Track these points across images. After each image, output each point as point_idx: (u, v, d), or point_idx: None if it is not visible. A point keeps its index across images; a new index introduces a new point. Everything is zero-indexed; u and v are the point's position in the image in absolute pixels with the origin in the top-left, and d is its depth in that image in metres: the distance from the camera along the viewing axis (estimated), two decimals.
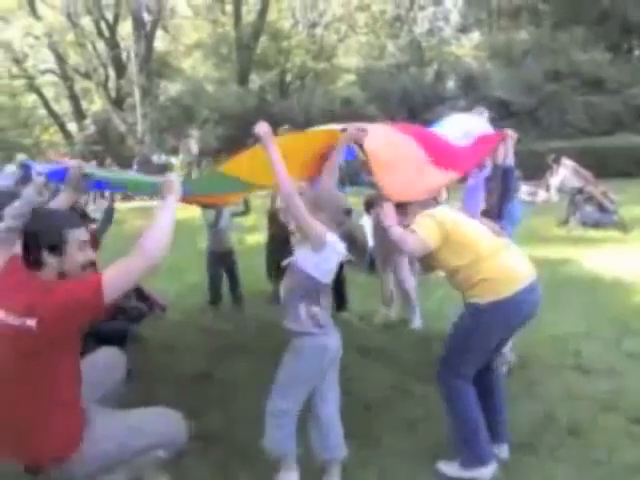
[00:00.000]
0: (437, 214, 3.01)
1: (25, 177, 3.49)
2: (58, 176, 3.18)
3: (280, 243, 6.02)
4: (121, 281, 2.21)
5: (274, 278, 6.13)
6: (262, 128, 2.68)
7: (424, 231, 2.94)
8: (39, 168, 3.20)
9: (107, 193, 4.65)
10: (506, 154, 3.86)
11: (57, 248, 2.28)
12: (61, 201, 2.92)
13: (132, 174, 3.57)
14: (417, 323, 5.39)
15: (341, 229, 2.65)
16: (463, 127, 3.93)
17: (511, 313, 2.85)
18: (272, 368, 2.69)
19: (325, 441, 2.76)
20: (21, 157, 3.21)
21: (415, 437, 3.23)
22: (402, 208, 3.18)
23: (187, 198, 2.74)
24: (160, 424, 2.51)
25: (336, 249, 2.61)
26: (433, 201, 3.25)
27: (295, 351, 2.70)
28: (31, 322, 2.10)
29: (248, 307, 6.20)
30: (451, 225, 2.94)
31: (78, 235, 2.35)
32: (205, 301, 6.36)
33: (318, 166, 4.13)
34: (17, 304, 2.16)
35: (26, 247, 2.29)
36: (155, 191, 2.75)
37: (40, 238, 2.27)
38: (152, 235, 2.30)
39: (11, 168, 3.79)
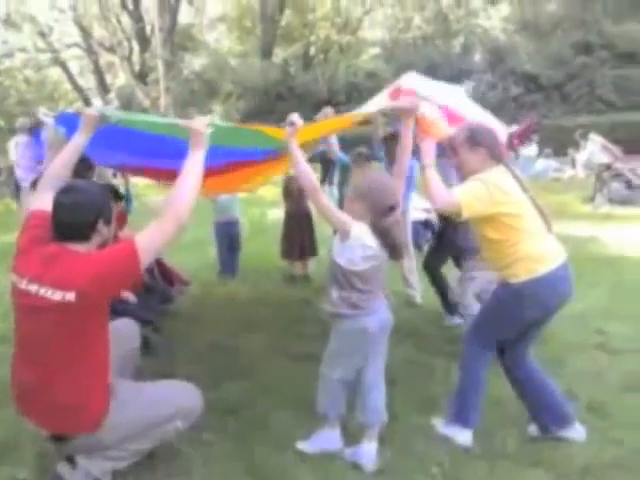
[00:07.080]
0: (491, 182, 2.78)
1: (37, 123, 3.29)
2: (69, 123, 2.82)
3: (296, 222, 5.98)
4: (154, 243, 2.23)
5: (288, 257, 6.06)
6: (295, 120, 2.61)
7: (465, 198, 2.75)
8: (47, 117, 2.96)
9: (119, 176, 4.56)
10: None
11: (110, 220, 2.39)
12: (75, 144, 2.60)
13: (156, 117, 3.39)
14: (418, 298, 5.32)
15: (379, 224, 2.56)
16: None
17: (547, 291, 2.78)
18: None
19: (365, 404, 2.78)
20: (42, 110, 3.00)
21: (434, 413, 3.21)
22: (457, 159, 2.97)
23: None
24: (177, 396, 2.56)
25: (362, 241, 2.55)
26: (494, 161, 2.88)
27: (335, 331, 2.74)
28: (70, 296, 2.11)
29: (266, 282, 6.16)
30: (499, 198, 2.75)
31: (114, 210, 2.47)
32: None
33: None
34: (54, 277, 2.15)
35: (75, 218, 2.25)
36: (176, 133, 2.58)
37: (102, 209, 2.33)
38: (180, 194, 2.31)
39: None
